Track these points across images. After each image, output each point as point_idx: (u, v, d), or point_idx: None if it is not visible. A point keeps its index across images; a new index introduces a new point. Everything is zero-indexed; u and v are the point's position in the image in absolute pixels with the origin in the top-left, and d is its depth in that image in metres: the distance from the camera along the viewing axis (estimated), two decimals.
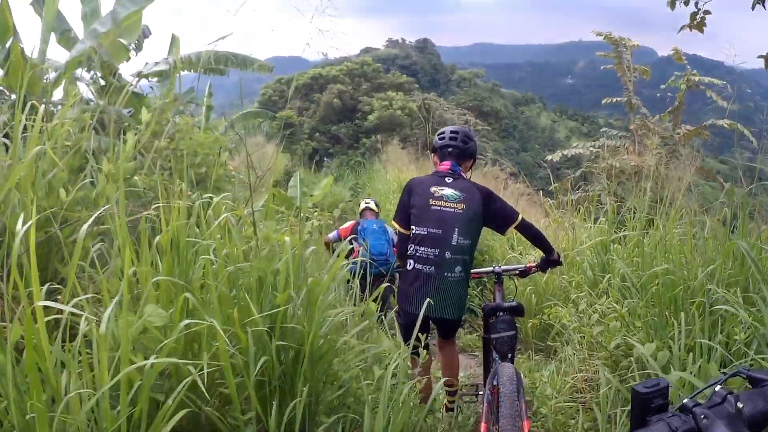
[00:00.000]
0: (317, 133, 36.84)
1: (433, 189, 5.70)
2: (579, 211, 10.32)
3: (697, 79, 15.22)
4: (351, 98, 38.68)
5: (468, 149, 6.00)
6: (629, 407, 3.80)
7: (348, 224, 10.48)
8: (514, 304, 5.49)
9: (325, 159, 36.49)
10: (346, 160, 34.07)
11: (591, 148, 15.81)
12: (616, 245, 7.75)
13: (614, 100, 16.38)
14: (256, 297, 3.69)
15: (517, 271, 6.26)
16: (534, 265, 6.19)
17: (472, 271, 5.91)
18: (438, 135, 6.16)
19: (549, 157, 16.66)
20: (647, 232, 7.02)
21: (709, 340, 4.50)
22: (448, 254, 5.50)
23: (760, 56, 7.15)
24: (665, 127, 14.88)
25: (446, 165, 5.89)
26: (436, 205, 5.63)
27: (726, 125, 14.50)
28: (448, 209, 5.60)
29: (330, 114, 37.28)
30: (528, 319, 8.67)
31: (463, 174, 5.93)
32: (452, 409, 5.93)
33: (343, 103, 37.71)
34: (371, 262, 9.24)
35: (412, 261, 5.64)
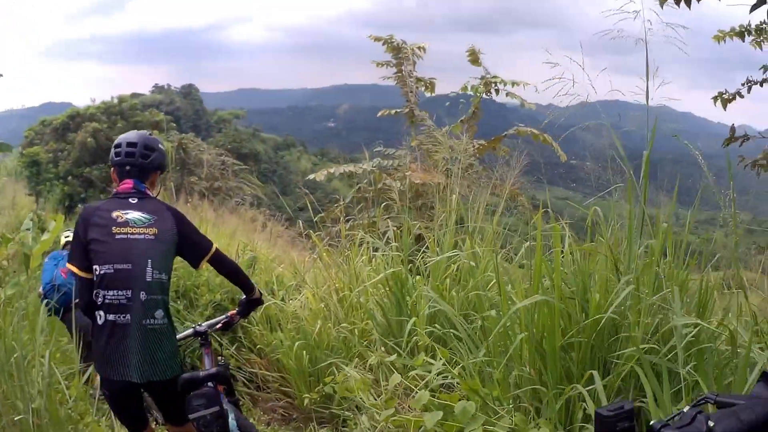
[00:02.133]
0: (70, 177, 34.39)
1: (115, 214, 4.65)
2: (355, 239, 8.58)
3: (498, 81, 13.51)
4: (106, 138, 35.42)
5: (151, 163, 5.01)
6: None
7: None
8: (212, 371, 4.83)
9: (79, 205, 33.37)
10: None
11: (363, 167, 13.54)
12: (416, 277, 6.60)
13: (393, 112, 14.32)
14: None
15: (220, 324, 5.58)
16: (235, 312, 5.57)
17: None
18: (114, 148, 5.09)
19: (311, 176, 14.44)
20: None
21: None
22: (143, 295, 4.48)
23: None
24: (458, 141, 11.81)
25: (128, 184, 4.88)
26: (120, 233, 4.59)
27: (533, 134, 12.99)
28: (136, 236, 4.61)
29: (84, 155, 34.72)
30: (302, 385, 7.32)
31: (149, 192, 4.99)
32: None
33: (98, 143, 35.02)
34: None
35: (101, 312, 4.50)
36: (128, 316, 4.43)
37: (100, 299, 4.49)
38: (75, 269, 4.67)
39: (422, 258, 7.04)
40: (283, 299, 8.85)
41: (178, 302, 9.59)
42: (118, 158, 4.95)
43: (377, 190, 11.59)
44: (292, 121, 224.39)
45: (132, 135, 5.13)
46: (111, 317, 4.44)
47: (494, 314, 5.00)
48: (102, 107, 38.29)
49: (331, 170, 14.30)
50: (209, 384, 4.78)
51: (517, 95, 13.46)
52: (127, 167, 4.90)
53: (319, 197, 11.81)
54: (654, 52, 4.95)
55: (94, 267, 4.55)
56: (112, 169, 5.11)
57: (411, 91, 14.01)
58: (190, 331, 5.43)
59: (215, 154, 39.14)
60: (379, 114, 14.93)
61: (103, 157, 35.43)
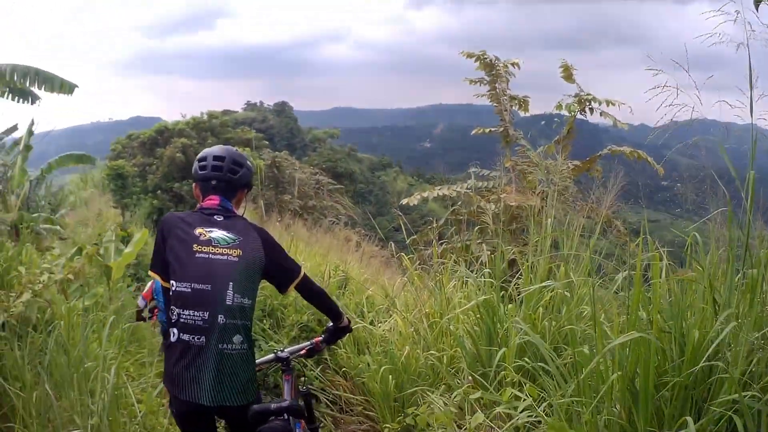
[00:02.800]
0: (159, 191, 34.41)
1: (198, 231, 4.42)
2: (447, 265, 8.09)
3: (592, 100, 13.06)
4: (196, 153, 35.67)
5: (238, 179, 4.75)
6: None
7: (147, 286, 9.34)
8: (284, 404, 4.26)
9: None
10: None
11: (458, 189, 13.18)
12: (508, 306, 6.25)
13: (487, 130, 14.00)
14: None
15: (304, 351, 5.30)
16: (320, 339, 5.29)
17: None
18: (198, 161, 4.80)
19: (404, 201, 14.16)
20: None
21: None
22: (221, 319, 4.23)
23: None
24: (551, 161, 11.40)
25: (214, 201, 4.64)
26: (202, 252, 4.34)
27: (626, 153, 12.59)
28: (218, 257, 4.34)
29: (173, 170, 34.72)
30: (387, 410, 6.96)
31: (235, 211, 4.75)
32: None
33: (188, 158, 34.90)
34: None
35: (175, 330, 4.28)
36: (203, 339, 4.22)
37: (174, 317, 4.31)
38: (158, 277, 4.55)
39: (515, 285, 6.68)
40: (372, 322, 8.60)
41: (264, 321, 9.37)
42: (203, 172, 4.71)
43: (472, 213, 11.30)
44: (389, 141, 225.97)
45: (218, 149, 4.87)
46: (185, 337, 4.24)
47: (587, 351, 4.64)
48: (192, 123, 38.66)
49: (425, 194, 13.99)
50: (282, 416, 4.42)
51: (610, 115, 13.05)
52: (213, 182, 4.68)
53: (414, 218, 11.63)
54: (741, 63, 4.58)
55: (171, 281, 4.36)
56: (194, 184, 4.90)
57: (505, 110, 13.72)
58: (271, 356, 5.16)
59: (309, 173, 39.37)
60: (473, 132, 14.63)
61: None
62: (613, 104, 13.01)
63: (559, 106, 13.23)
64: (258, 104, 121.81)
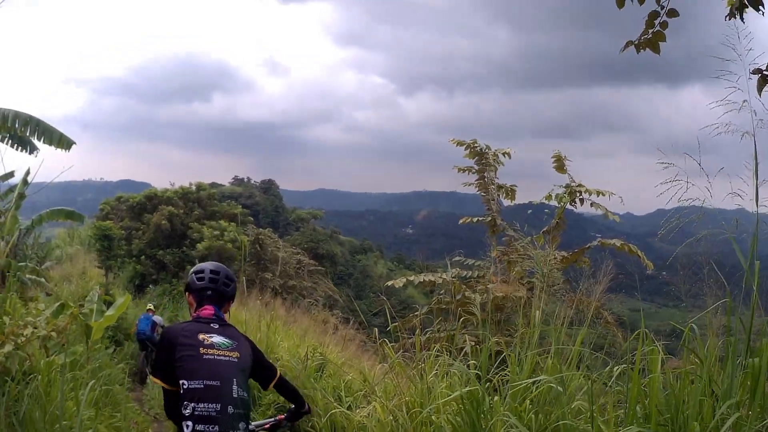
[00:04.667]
0: (143, 256, 35.03)
1: (201, 336, 5.08)
2: (430, 353, 7.87)
3: (584, 191, 12.98)
4: (182, 223, 37.18)
5: (229, 292, 5.55)
6: None
7: None
8: None
9: (150, 285, 34.73)
10: (170, 288, 32.42)
11: (443, 277, 12.87)
12: (495, 398, 6.09)
13: (475, 220, 13.92)
14: None
15: (267, 425, 5.84)
16: (283, 416, 5.93)
17: None
18: (195, 273, 5.53)
19: (390, 283, 13.92)
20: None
21: None
22: (230, 409, 4.84)
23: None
24: (540, 251, 10.99)
25: (209, 310, 5.35)
26: (208, 354, 4.99)
27: (616, 246, 12.40)
28: (221, 358, 5.03)
29: (158, 237, 35.47)
30: None
31: (226, 320, 5.46)
32: None
33: (173, 226, 36.07)
34: None
35: (190, 423, 4.75)
36: (216, 428, 4.72)
37: (188, 410, 4.75)
38: (162, 384, 5.02)
39: (500, 377, 6.54)
40: (350, 407, 8.57)
41: None
42: (201, 283, 5.38)
43: (457, 302, 11.17)
44: (371, 225, 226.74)
45: (213, 264, 5.62)
46: (200, 427, 4.71)
47: None
48: (180, 192, 39.12)
49: (411, 278, 13.73)
50: None
51: (601, 206, 12.99)
52: (209, 292, 5.37)
53: (393, 303, 11.44)
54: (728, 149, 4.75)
55: (182, 381, 4.84)
56: (187, 294, 5.54)
57: (492, 199, 13.68)
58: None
59: (291, 252, 39.65)
60: (461, 221, 14.57)
61: (177, 242, 35.87)
62: (603, 194, 12.95)
63: (548, 197, 13.17)
64: (245, 180, 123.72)
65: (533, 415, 5.59)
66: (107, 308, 11.34)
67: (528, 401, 5.85)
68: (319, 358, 10.89)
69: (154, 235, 35.54)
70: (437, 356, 7.74)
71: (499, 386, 6.50)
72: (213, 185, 64.53)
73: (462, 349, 7.82)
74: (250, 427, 5.48)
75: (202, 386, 4.82)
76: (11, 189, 16.85)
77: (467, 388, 6.24)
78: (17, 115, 13.57)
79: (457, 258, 13.52)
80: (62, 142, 13.62)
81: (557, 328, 6.62)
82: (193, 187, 40.83)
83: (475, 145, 14.04)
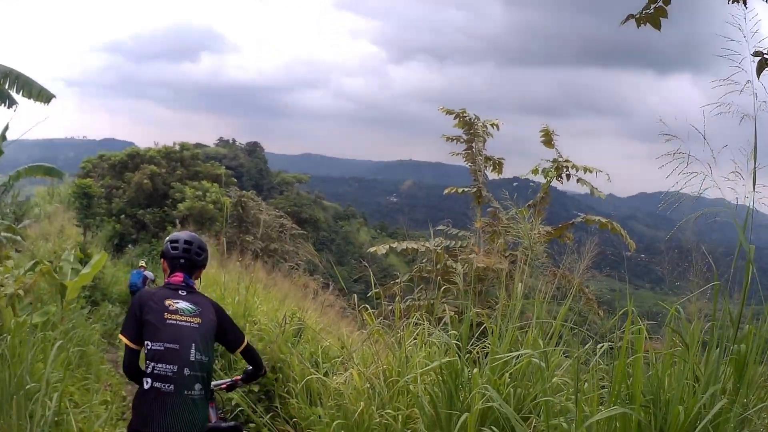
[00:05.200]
0: (123, 215, 34.97)
1: (167, 302, 5.49)
2: (410, 322, 7.80)
3: (570, 167, 13.06)
4: (164, 182, 37.19)
5: (200, 261, 5.95)
6: None
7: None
8: (231, 424, 5.83)
9: (129, 245, 34.59)
10: (149, 249, 32.29)
11: (427, 245, 12.91)
12: (474, 370, 5.94)
13: (461, 190, 13.92)
14: None
15: (225, 385, 6.39)
16: (239, 378, 6.38)
17: None
18: (170, 242, 5.96)
19: (372, 249, 14.27)
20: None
21: None
22: (186, 371, 5.26)
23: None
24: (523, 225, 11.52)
25: (179, 277, 5.75)
26: (171, 318, 5.41)
27: (600, 222, 12.59)
28: (184, 323, 5.43)
29: (140, 196, 35.55)
30: None
31: (195, 287, 5.83)
32: None
33: (155, 186, 36.11)
34: None
35: (149, 379, 5.22)
36: (172, 387, 5.16)
37: (149, 369, 5.21)
38: (126, 341, 5.40)
39: (480, 348, 6.46)
40: (326, 373, 8.53)
41: (217, 363, 9.59)
42: (175, 252, 5.80)
43: (438, 271, 11.11)
44: (356, 192, 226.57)
45: (187, 234, 6.02)
46: (157, 385, 5.16)
47: (564, 425, 4.42)
48: (163, 151, 39.09)
49: (394, 245, 13.93)
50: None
51: (588, 182, 12.94)
52: (181, 260, 5.77)
53: (374, 271, 11.33)
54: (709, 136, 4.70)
55: (146, 342, 5.29)
56: (162, 260, 5.96)
57: (479, 170, 13.56)
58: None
59: (274, 215, 39.47)
60: (446, 191, 14.56)
61: (158, 201, 35.65)
62: (591, 171, 12.92)
63: (535, 171, 13.21)
64: (230, 141, 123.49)
65: (512, 389, 5.57)
66: (83, 267, 11.17)
67: (507, 375, 5.78)
68: (297, 323, 10.82)
69: (135, 194, 35.54)
70: (417, 324, 7.67)
71: (479, 358, 6.42)
72: (198, 146, 64.37)
73: (441, 318, 7.69)
74: (212, 387, 5.84)
75: (163, 348, 5.23)
76: None
77: (446, 359, 6.17)
78: None
79: (441, 227, 13.48)
80: (42, 95, 13.35)
81: (539, 302, 6.57)
82: (177, 147, 40.76)
83: (465, 114, 13.94)
